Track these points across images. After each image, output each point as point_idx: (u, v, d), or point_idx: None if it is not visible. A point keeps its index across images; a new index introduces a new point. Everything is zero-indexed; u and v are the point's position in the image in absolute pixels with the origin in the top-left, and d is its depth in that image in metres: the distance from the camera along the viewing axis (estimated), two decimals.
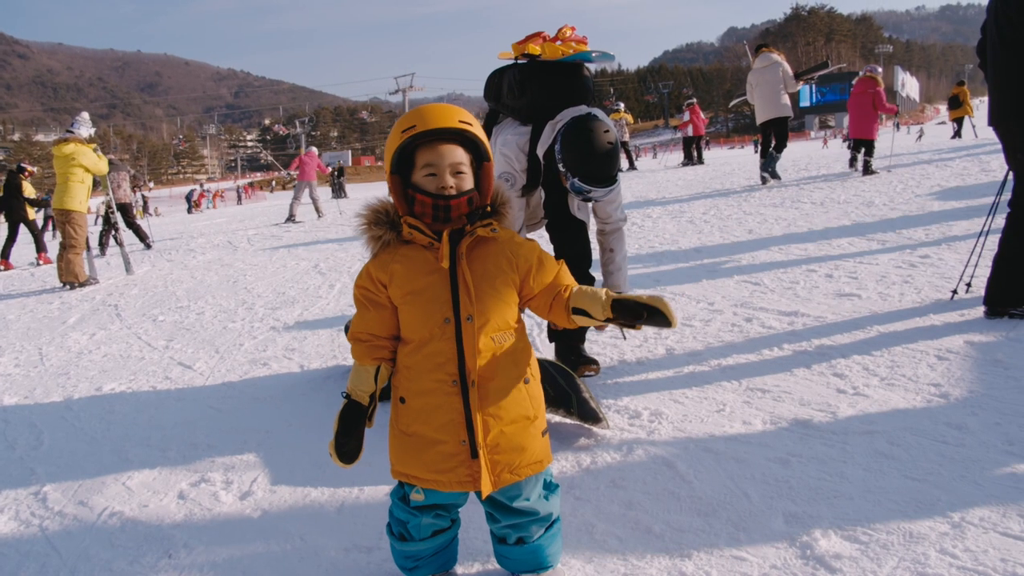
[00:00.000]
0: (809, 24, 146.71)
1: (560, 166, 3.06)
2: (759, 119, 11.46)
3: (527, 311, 1.89)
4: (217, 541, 2.25)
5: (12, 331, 6.17)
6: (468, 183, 1.73)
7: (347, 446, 1.75)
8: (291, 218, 15.25)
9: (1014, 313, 3.61)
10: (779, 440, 2.57)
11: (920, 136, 13.71)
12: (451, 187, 1.69)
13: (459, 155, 1.71)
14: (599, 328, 1.79)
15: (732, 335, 3.86)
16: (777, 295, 4.54)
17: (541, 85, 3.28)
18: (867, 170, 10.90)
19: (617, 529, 2.08)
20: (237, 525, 2.35)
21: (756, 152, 37.37)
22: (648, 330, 4.08)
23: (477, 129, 1.73)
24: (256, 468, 2.80)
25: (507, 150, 3.31)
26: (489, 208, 1.78)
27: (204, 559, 2.14)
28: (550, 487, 1.84)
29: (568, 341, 3.55)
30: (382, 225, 1.74)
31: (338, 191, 29.23)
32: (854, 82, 12.16)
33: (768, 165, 11.17)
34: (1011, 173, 3.71)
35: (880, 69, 11.82)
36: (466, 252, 1.70)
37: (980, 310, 3.73)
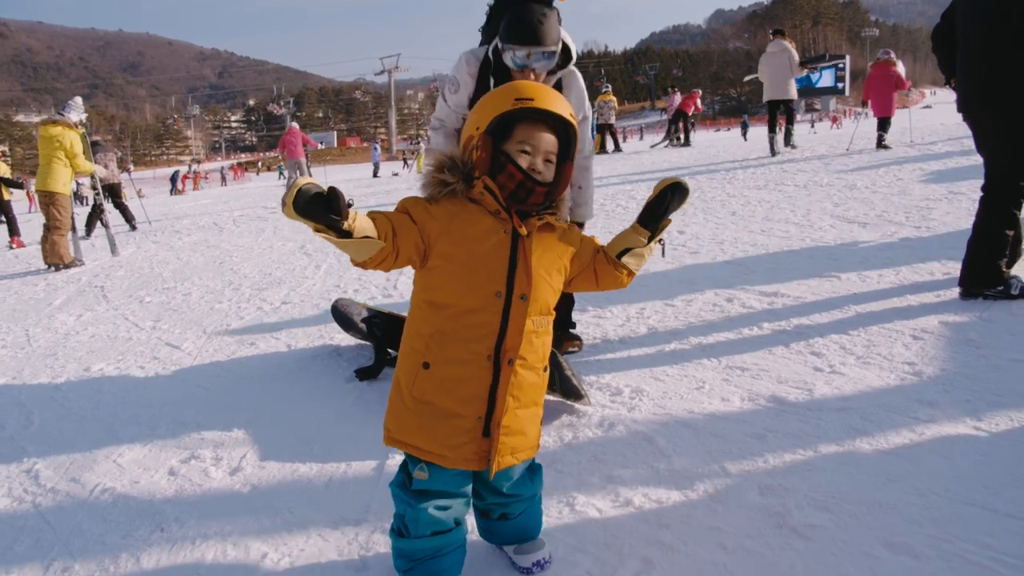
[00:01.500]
0: (796, 7, 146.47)
1: (501, 48, 3.06)
2: (766, 96, 13.03)
3: None
4: (208, 515, 2.30)
5: None
6: (552, 173, 1.75)
7: (304, 201, 1.42)
8: None
9: (988, 294, 3.70)
10: (756, 416, 2.64)
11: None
12: (540, 171, 1.70)
13: (554, 145, 1.73)
14: (648, 255, 1.88)
15: (713, 315, 3.93)
16: (758, 276, 4.61)
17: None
18: (880, 144, 11.85)
19: (598, 501, 2.15)
20: (227, 500, 2.41)
21: (742, 134, 37.62)
22: (630, 309, 4.15)
23: (577, 129, 1.76)
24: (245, 445, 2.85)
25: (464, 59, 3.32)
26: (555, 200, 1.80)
27: (195, 532, 2.19)
28: (535, 468, 1.88)
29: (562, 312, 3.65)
30: (456, 172, 1.69)
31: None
32: (870, 67, 13.32)
33: (787, 138, 13.47)
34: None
35: (892, 53, 12.79)
36: (534, 231, 1.72)
37: (956, 291, 3.82)
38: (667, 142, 20.86)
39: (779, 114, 13.14)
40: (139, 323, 5.18)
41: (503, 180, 1.68)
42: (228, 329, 4.74)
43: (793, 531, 1.90)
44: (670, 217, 1.80)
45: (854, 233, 5.60)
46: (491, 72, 3.25)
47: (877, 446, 2.33)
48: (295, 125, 17.74)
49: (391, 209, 1.69)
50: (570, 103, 2.87)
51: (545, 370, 1.79)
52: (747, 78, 19.40)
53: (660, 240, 1.85)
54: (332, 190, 1.43)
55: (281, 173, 41.08)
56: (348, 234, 1.50)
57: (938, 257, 4.60)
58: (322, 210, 1.43)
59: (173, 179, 43.83)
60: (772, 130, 13.07)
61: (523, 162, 1.69)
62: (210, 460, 2.73)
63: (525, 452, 1.76)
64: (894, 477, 2.13)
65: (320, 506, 2.28)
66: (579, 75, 3.40)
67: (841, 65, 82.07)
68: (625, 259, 1.83)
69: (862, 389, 2.81)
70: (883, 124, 12.14)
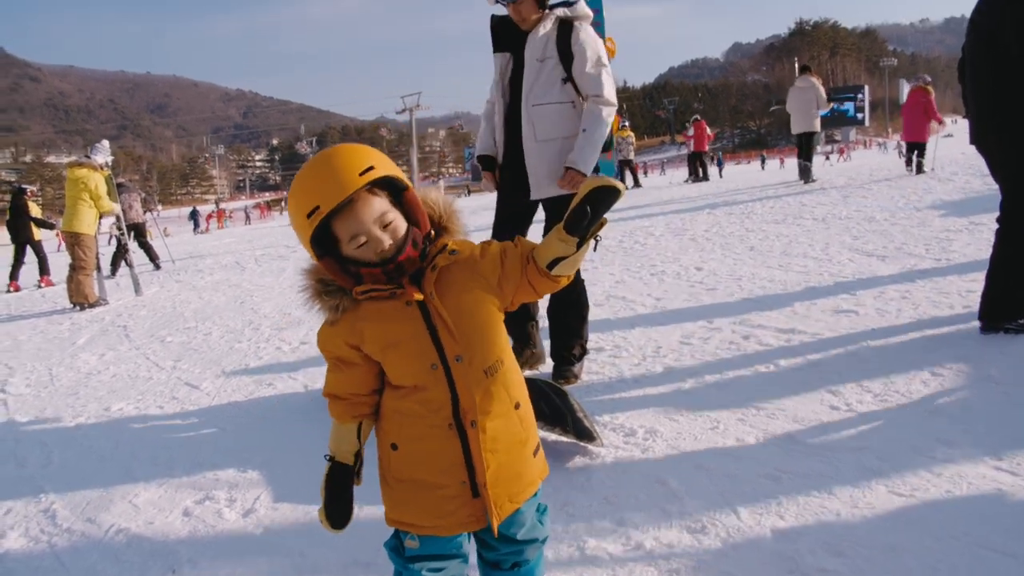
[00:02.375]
0: (813, 39, 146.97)
1: None
2: (794, 129, 13.99)
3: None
4: (220, 557, 2.31)
5: (23, 351, 6.26)
6: (401, 225, 1.52)
7: (337, 510, 1.64)
8: None
9: (1009, 328, 3.65)
10: (771, 457, 2.61)
11: (901, 155, 13.96)
12: (388, 246, 1.49)
13: (378, 205, 1.49)
14: (581, 259, 1.61)
15: (729, 352, 3.91)
16: (776, 312, 4.59)
17: None
18: (919, 170, 12.57)
19: (608, 545, 2.13)
20: (240, 541, 2.42)
21: (763, 168, 37.70)
22: (647, 348, 4.14)
23: (381, 169, 1.48)
24: (259, 486, 2.87)
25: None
26: (433, 233, 1.60)
27: (207, 574, 2.20)
28: (541, 509, 1.77)
29: (556, 345, 3.75)
30: (333, 294, 1.56)
31: None
32: (906, 92, 14.04)
33: (805, 172, 13.90)
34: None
35: (930, 79, 13.44)
36: (434, 290, 1.55)
37: (976, 325, 3.78)
38: (690, 179, 20.94)
39: (810, 143, 13.95)
40: (160, 363, 5.24)
41: (370, 280, 1.52)
42: (247, 369, 4.78)
43: None
44: (605, 218, 1.55)
45: (873, 267, 5.57)
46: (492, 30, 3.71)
47: (893, 488, 2.30)
48: None
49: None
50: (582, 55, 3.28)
51: (518, 407, 1.65)
52: (773, 107, 19.77)
53: (596, 239, 1.60)
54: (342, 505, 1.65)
55: None
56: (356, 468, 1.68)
57: (958, 290, 4.56)
58: (347, 506, 1.65)
59: (193, 216, 44.50)
60: (807, 159, 13.98)
61: (367, 253, 1.49)
62: (224, 501, 2.75)
63: (526, 492, 1.66)
64: (910, 520, 2.09)
65: (332, 548, 2.28)
66: (590, 29, 3.53)
67: (860, 95, 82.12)
68: (557, 270, 1.58)
69: (879, 428, 2.77)
70: (916, 149, 12.86)
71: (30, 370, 5.48)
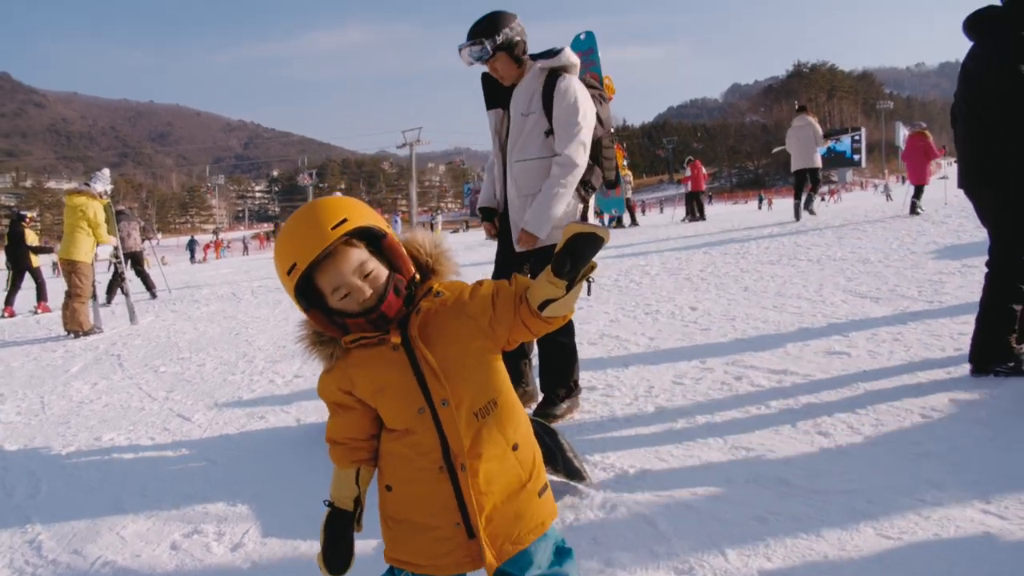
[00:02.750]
0: (811, 81, 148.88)
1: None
2: (793, 167, 14.33)
3: None
4: None
5: (15, 378, 6.25)
6: (382, 274, 1.54)
7: (335, 556, 1.64)
8: None
9: (999, 370, 3.68)
10: (760, 499, 2.61)
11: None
12: (369, 295, 1.52)
13: (356, 256, 1.52)
14: (573, 300, 1.54)
15: (721, 393, 3.92)
16: (768, 353, 4.61)
17: None
18: (913, 210, 13.02)
19: None
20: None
21: (760, 208, 37.98)
22: (639, 387, 4.15)
23: (355, 220, 1.51)
24: (248, 520, 2.86)
25: None
26: (418, 276, 1.61)
27: None
28: (562, 552, 1.70)
29: (543, 384, 3.78)
30: (327, 343, 1.61)
31: None
32: (906, 138, 14.90)
33: (808, 203, 14.30)
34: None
35: (925, 125, 14.15)
36: (418, 333, 1.57)
37: (966, 368, 3.80)
38: (687, 217, 21.08)
39: (805, 183, 14.30)
40: (152, 393, 5.23)
41: (356, 330, 1.57)
42: (239, 401, 4.78)
43: None
44: (593, 261, 1.51)
45: (866, 308, 5.60)
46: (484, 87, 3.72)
47: (881, 530, 2.30)
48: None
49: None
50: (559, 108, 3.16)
51: (516, 448, 1.63)
52: (775, 150, 20.20)
53: (589, 281, 1.61)
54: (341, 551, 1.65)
55: None
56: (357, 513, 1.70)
57: (950, 332, 4.58)
58: (346, 551, 1.66)
59: (191, 246, 44.58)
60: (798, 197, 14.44)
61: (350, 304, 1.53)
62: (213, 535, 2.74)
63: (531, 533, 1.62)
64: (896, 563, 2.10)
65: None
66: (572, 80, 3.44)
67: (857, 137, 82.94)
68: (548, 311, 1.55)
69: (869, 470, 2.78)
70: (918, 192, 13.31)
71: (21, 397, 5.46)
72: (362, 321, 1.54)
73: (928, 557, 2.11)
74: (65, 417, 4.76)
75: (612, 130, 3.84)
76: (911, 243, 8.88)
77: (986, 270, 3.79)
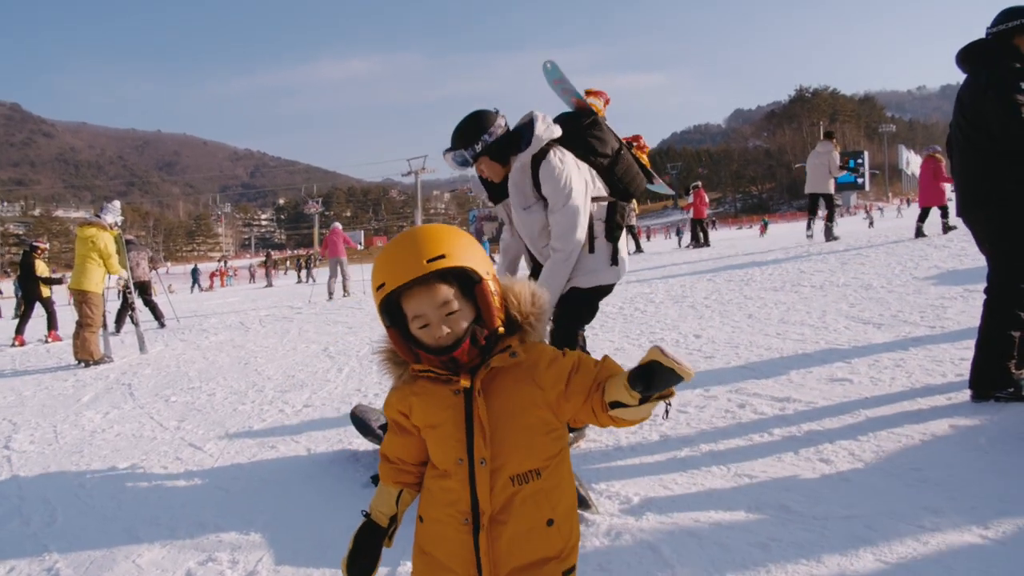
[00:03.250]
0: (813, 105, 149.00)
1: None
2: (807, 189, 15.17)
3: None
4: None
5: (28, 408, 6.33)
6: (464, 320, 1.55)
7: (360, 566, 1.67)
8: (331, 296, 15.63)
9: (999, 396, 3.73)
10: (761, 525, 2.67)
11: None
12: (445, 335, 1.53)
13: (443, 294, 1.52)
14: (645, 412, 1.46)
15: (724, 421, 3.98)
16: (771, 380, 4.66)
17: None
18: (946, 229, 13.44)
19: None
20: None
21: (761, 234, 38.11)
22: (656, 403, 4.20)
23: (453, 260, 1.51)
24: (261, 548, 2.92)
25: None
26: (503, 329, 1.60)
27: None
28: None
29: None
30: (400, 364, 1.66)
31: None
32: (906, 158, 17.37)
33: (827, 232, 14.86)
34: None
35: (939, 148, 14.19)
36: (482, 387, 1.56)
37: (967, 393, 3.85)
38: (692, 244, 21.17)
39: (818, 206, 15.34)
40: (164, 423, 5.30)
41: (427, 363, 1.58)
42: (250, 431, 4.84)
43: None
44: (672, 390, 1.43)
45: (868, 334, 5.65)
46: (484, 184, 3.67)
47: (880, 556, 2.36)
48: (338, 226, 18.35)
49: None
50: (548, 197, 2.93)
51: (550, 523, 1.57)
52: (797, 166, 20.69)
53: (667, 402, 1.46)
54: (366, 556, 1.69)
55: (308, 272, 41.80)
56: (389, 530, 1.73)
57: (951, 358, 4.63)
58: (370, 563, 1.69)
59: (194, 274, 44.68)
60: (812, 214, 15.65)
61: (426, 337, 1.54)
62: (227, 563, 2.80)
63: None
64: None
65: None
66: (551, 159, 3.34)
67: (860, 160, 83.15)
68: (616, 413, 1.50)
69: (869, 496, 2.83)
70: (926, 214, 13.64)
71: (34, 427, 5.54)
72: (435, 359, 1.56)
73: None
74: (78, 446, 4.83)
75: (618, 143, 3.74)
76: (913, 268, 8.94)
77: (984, 297, 3.86)
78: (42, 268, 13.28)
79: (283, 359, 7.72)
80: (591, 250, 3.54)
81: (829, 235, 14.88)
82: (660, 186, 4.25)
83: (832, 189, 14.92)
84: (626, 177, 3.66)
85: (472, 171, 3.61)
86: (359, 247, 22.26)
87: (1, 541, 3.26)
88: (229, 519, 3.26)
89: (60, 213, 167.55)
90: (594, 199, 3.55)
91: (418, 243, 1.52)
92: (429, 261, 1.48)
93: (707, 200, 21.54)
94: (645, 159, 3.83)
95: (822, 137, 15.59)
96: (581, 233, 3.42)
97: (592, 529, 2.78)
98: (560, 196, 3.34)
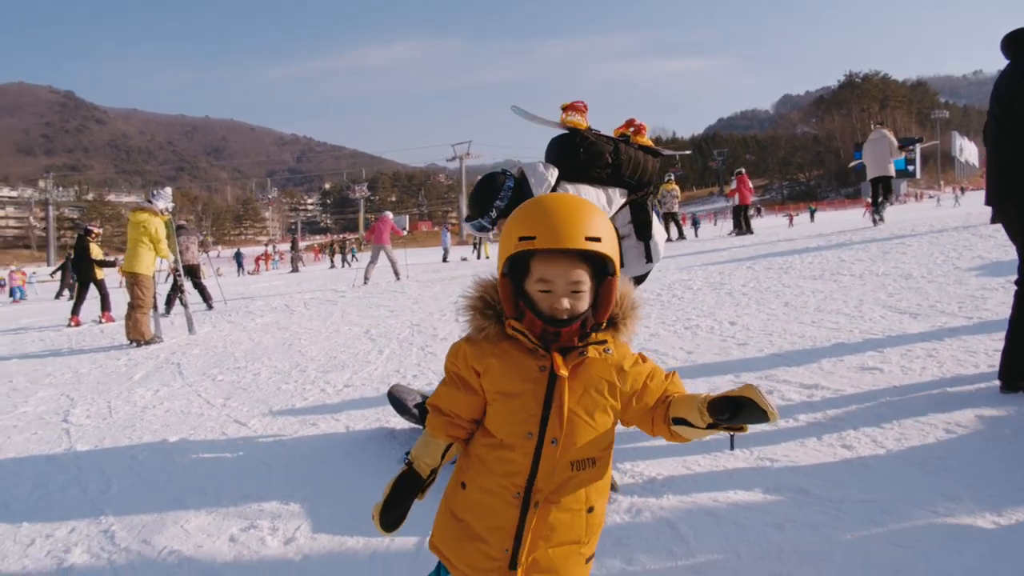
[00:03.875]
0: (863, 91, 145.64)
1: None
2: (869, 175, 15.66)
3: None
4: None
5: (84, 384, 6.63)
6: (584, 303, 1.59)
7: (393, 514, 1.69)
8: (366, 280, 15.88)
9: None
10: (779, 507, 2.75)
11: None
12: (566, 309, 1.56)
13: (579, 273, 1.56)
14: (704, 436, 1.60)
15: None
16: (802, 368, 4.70)
17: None
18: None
19: None
20: (280, 567, 2.64)
21: (800, 221, 37.57)
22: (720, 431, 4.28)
23: (606, 245, 1.55)
24: (300, 518, 3.09)
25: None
26: (605, 324, 1.64)
27: None
28: None
29: None
30: (488, 318, 1.65)
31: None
32: (959, 144, 16.82)
33: (878, 211, 15.23)
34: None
35: None
36: (570, 371, 1.59)
37: (997, 384, 3.86)
38: (735, 231, 21.00)
39: (880, 190, 15.56)
40: (211, 400, 5.53)
41: (527, 324, 1.60)
42: (292, 409, 5.04)
43: None
44: (746, 427, 1.52)
45: (904, 324, 5.64)
46: None
47: (892, 539, 2.43)
48: (388, 214, 18.61)
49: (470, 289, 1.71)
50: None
51: (591, 511, 1.66)
52: (851, 165, 20.65)
53: (731, 432, 1.55)
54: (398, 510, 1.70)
55: (342, 258, 42.75)
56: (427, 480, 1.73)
57: (985, 349, 4.62)
58: (402, 513, 1.70)
59: (238, 258, 45.62)
60: (874, 203, 15.66)
61: (544, 302, 1.57)
62: (267, 530, 2.97)
63: None
64: (901, 569, 2.22)
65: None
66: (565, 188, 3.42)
67: (912, 148, 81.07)
68: (678, 428, 1.61)
69: (887, 482, 2.89)
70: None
71: (90, 402, 5.81)
72: (539, 324, 1.58)
73: (932, 565, 2.23)
74: (131, 421, 5.07)
75: (612, 143, 3.71)
76: (956, 258, 8.81)
77: (1015, 288, 3.85)
78: (96, 251, 13.68)
79: (326, 341, 7.93)
80: (620, 256, 3.63)
81: (879, 212, 15.14)
82: (669, 153, 4.32)
83: (892, 172, 15.35)
84: (634, 172, 3.70)
85: (515, 161, 3.70)
86: (404, 233, 22.41)
87: (62, 506, 3.48)
88: (271, 490, 3.43)
89: (112, 197, 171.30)
90: (616, 213, 3.65)
91: (580, 216, 1.55)
92: (587, 239, 1.52)
93: (751, 187, 21.33)
94: (644, 139, 3.85)
95: (873, 126, 16.08)
96: None
97: (614, 506, 2.89)
98: None
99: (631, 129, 3.85)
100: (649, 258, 3.71)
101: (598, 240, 1.53)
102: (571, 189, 3.47)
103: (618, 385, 1.64)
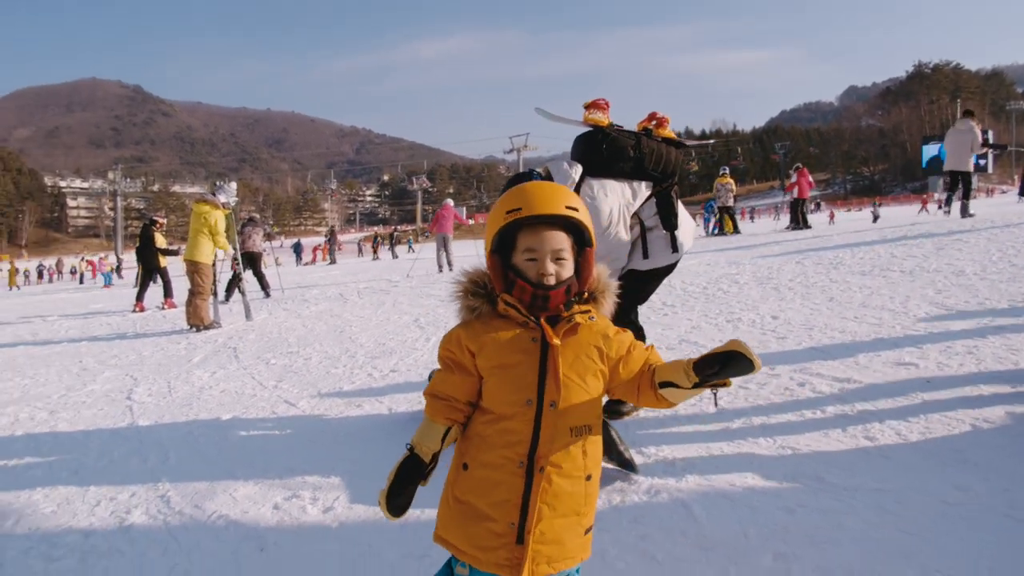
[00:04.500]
0: (933, 82, 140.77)
1: None
2: (947, 167, 15.32)
3: None
4: (301, 543, 2.75)
5: (147, 365, 7.00)
6: (568, 270, 1.73)
7: (399, 499, 1.75)
8: (440, 269, 16.17)
9: None
10: (793, 493, 2.84)
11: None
12: (551, 275, 1.70)
13: (561, 240, 1.71)
14: (690, 396, 1.74)
15: (781, 398, 4.11)
16: (837, 362, 4.73)
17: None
18: None
19: (627, 555, 2.44)
20: (318, 532, 2.85)
21: (873, 220, 36.65)
22: (705, 391, 4.37)
23: (583, 215, 1.72)
24: (340, 489, 3.29)
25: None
26: (587, 295, 1.78)
27: (288, 555, 2.64)
28: None
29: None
30: (479, 296, 1.76)
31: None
32: None
33: (964, 211, 14.81)
34: None
35: None
36: (561, 337, 1.70)
37: None
38: (791, 226, 20.73)
39: (957, 183, 15.29)
40: (263, 382, 5.80)
41: (517, 294, 1.71)
42: (340, 392, 5.27)
43: None
44: (728, 380, 1.64)
45: (948, 321, 5.58)
46: None
47: (901, 527, 2.50)
48: (450, 202, 18.85)
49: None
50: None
51: (589, 479, 1.73)
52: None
53: (713, 390, 1.69)
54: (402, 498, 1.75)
55: (409, 246, 43.40)
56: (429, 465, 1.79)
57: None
58: (408, 499, 1.77)
59: (296, 249, 46.76)
60: (950, 191, 15.56)
61: (531, 270, 1.70)
62: (308, 500, 3.19)
63: (564, 563, 1.70)
64: (905, 555, 2.30)
65: (394, 542, 2.67)
66: (583, 200, 3.63)
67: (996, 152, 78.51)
68: (665, 391, 1.72)
69: (904, 473, 2.94)
70: None
71: (152, 382, 6.15)
72: (529, 289, 1.70)
73: (937, 551, 2.31)
74: (188, 400, 5.37)
75: (634, 138, 3.80)
76: (1013, 255, 8.62)
77: None
78: (160, 240, 14.20)
79: (376, 328, 8.18)
80: (645, 244, 3.76)
81: (965, 212, 14.77)
82: (693, 144, 4.39)
83: (971, 167, 14.98)
84: (657, 164, 3.79)
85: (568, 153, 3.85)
86: (469, 223, 22.64)
87: (124, 473, 3.77)
88: (314, 465, 3.65)
89: (177, 188, 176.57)
90: (643, 205, 3.78)
91: (557, 189, 1.75)
92: (567, 208, 1.70)
93: (812, 181, 21.02)
94: (667, 131, 3.93)
95: (960, 115, 15.60)
96: (622, 251, 3.73)
97: (634, 487, 3.02)
98: (598, 227, 3.58)
99: (653, 122, 3.95)
100: (675, 248, 3.81)
101: (576, 210, 1.71)
102: (596, 185, 3.60)
103: (605, 350, 1.75)
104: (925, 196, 62.57)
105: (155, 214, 15.15)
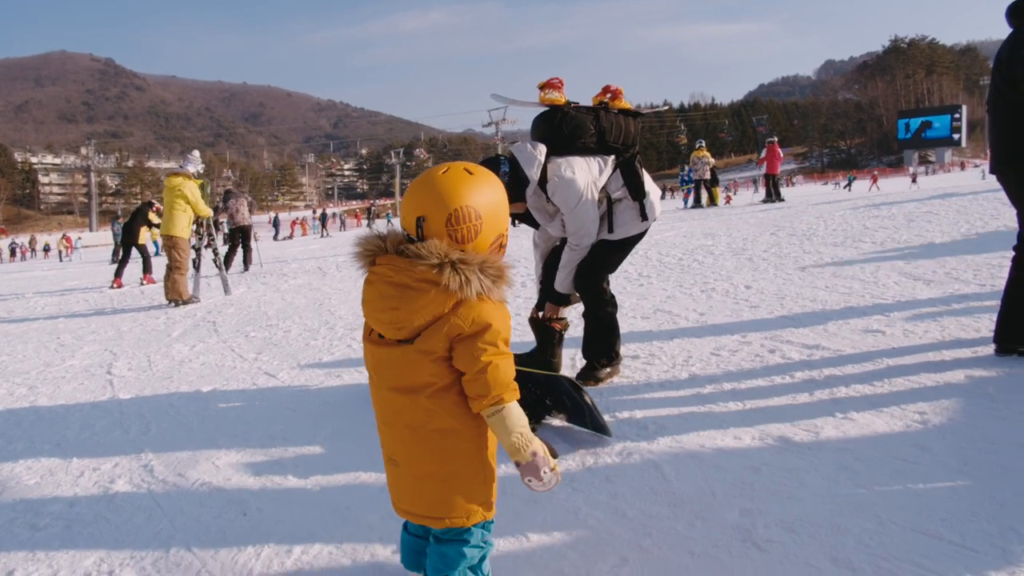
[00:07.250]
0: (909, 57, 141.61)
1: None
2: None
3: None
4: (282, 507, 2.81)
5: (126, 341, 7.01)
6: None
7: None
8: None
9: (1023, 351, 3.85)
10: (759, 453, 2.95)
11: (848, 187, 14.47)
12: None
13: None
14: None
15: (752, 363, 4.22)
16: (807, 329, 4.85)
17: None
18: None
19: (598, 513, 2.53)
20: (300, 496, 2.91)
21: (845, 187, 37.04)
22: (678, 357, 4.48)
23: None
24: (320, 456, 3.37)
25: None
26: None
27: (270, 518, 2.70)
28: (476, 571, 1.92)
29: (588, 354, 4.17)
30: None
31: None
32: None
33: None
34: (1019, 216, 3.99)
35: None
36: None
37: (993, 348, 3.98)
38: (766, 199, 20.91)
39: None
40: (243, 355, 5.84)
41: None
42: (319, 362, 5.33)
43: (755, 545, 2.23)
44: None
45: (916, 290, 5.73)
46: None
47: (859, 482, 2.61)
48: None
49: None
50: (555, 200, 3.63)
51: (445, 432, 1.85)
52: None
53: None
54: None
55: (388, 220, 43.36)
56: None
57: (991, 315, 4.71)
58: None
59: (275, 223, 46.79)
60: None
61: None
62: (290, 466, 3.25)
63: (420, 514, 1.92)
64: (862, 507, 2.41)
65: (373, 505, 2.74)
66: (552, 178, 3.69)
67: (957, 115, 79.14)
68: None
69: (867, 434, 3.06)
70: None
71: (131, 356, 6.17)
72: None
73: (892, 504, 2.42)
74: (169, 373, 5.41)
75: (592, 113, 3.90)
76: (981, 227, 8.82)
77: (1013, 253, 3.96)
78: (154, 219, 14.12)
79: (355, 301, 8.21)
80: (611, 217, 3.86)
81: None
82: (648, 112, 4.52)
83: None
84: (618, 137, 3.89)
85: None
86: None
87: (106, 445, 3.81)
88: (295, 433, 3.72)
89: (152, 164, 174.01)
90: (609, 177, 3.88)
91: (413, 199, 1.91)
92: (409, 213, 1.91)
93: (781, 155, 21.18)
94: (622, 103, 4.02)
95: None
96: (592, 227, 3.82)
97: (607, 449, 3.12)
98: (567, 203, 3.72)
99: (608, 95, 4.02)
100: (645, 216, 3.90)
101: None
102: (563, 163, 3.69)
103: (445, 334, 1.89)
104: (874, 173, 62.93)
105: (152, 199, 15.06)
